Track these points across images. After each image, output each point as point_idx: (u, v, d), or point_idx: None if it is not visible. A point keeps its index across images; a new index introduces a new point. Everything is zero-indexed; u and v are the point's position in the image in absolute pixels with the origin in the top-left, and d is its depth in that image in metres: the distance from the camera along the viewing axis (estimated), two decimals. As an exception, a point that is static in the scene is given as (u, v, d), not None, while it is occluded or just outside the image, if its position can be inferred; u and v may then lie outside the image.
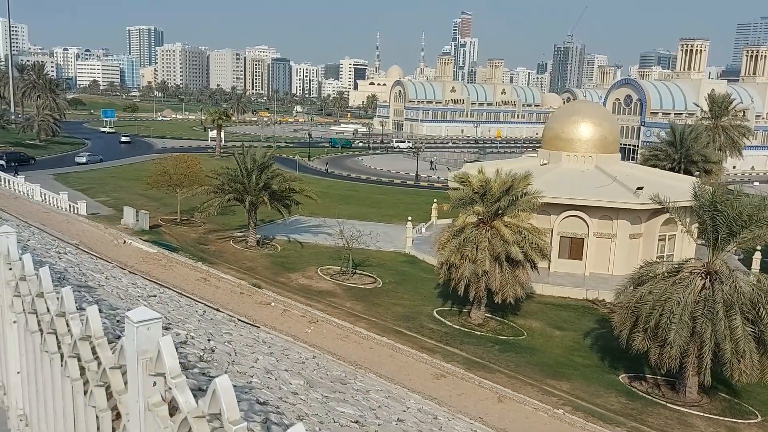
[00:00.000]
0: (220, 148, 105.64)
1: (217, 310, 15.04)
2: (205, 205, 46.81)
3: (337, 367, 12.34)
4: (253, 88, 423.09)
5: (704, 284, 25.79)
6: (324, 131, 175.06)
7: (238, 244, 48.07)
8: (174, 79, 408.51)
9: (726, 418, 25.62)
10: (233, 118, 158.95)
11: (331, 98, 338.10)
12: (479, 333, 32.92)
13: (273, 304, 16.19)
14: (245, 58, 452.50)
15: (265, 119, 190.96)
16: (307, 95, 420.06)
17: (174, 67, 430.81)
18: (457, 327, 33.49)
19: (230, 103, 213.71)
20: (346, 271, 41.20)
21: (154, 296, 12.69)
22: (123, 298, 10.25)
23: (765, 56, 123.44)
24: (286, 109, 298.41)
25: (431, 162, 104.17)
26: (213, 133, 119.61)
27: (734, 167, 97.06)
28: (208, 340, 9.19)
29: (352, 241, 41.42)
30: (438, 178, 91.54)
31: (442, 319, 34.47)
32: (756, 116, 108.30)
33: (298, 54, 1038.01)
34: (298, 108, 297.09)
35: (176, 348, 8.05)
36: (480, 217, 32.85)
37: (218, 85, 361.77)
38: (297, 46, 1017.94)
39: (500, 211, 32.30)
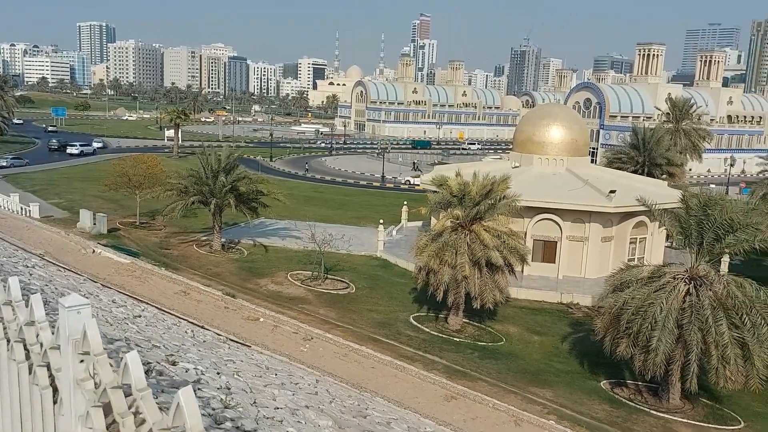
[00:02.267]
0: (178, 148, 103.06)
1: (204, 328, 13.82)
2: (168, 208, 44.95)
3: (344, 392, 11.30)
4: (209, 87, 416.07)
5: (688, 290, 25.58)
6: (284, 131, 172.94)
7: (202, 248, 46.34)
8: (127, 77, 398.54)
9: (710, 425, 25.47)
10: (191, 117, 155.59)
11: (290, 98, 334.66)
12: (458, 339, 32.21)
13: (262, 319, 15.03)
14: (201, 56, 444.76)
15: (223, 118, 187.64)
16: (265, 94, 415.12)
17: (127, 65, 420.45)
18: (435, 333, 32.71)
19: (186, 102, 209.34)
20: (318, 276, 40.02)
21: (139, 316, 11.44)
22: (112, 324, 9.01)
23: (718, 61, 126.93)
24: (243, 108, 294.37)
25: (414, 163, 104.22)
26: (170, 133, 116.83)
27: (691, 170, 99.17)
28: (218, 373, 8.05)
29: (324, 245, 40.28)
30: (403, 180, 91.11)
31: (420, 326, 33.64)
32: (711, 120, 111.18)
33: (255, 53, 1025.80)
34: (257, 107, 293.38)
35: (194, 391, 6.80)
36: (458, 221, 32.12)
37: (173, 84, 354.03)
38: (254, 44, 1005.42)
39: (479, 215, 31.62)
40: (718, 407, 26.81)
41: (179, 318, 13.89)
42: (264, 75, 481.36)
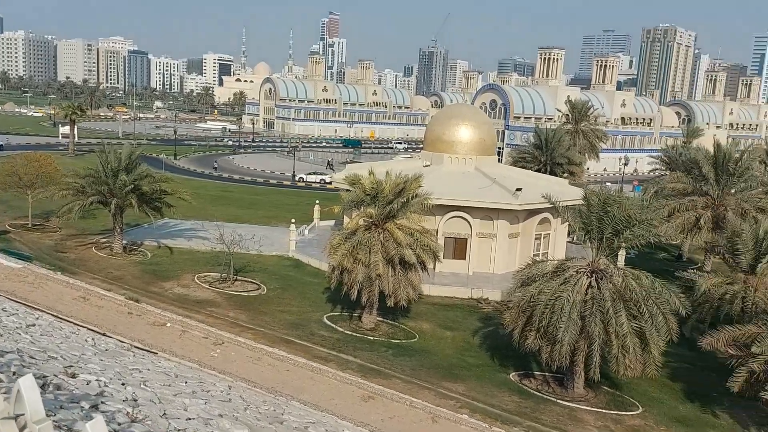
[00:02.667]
0: (74, 146, 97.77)
1: (105, 335, 12.97)
2: (64, 209, 42.32)
3: (259, 398, 10.91)
4: (107, 82, 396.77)
5: (590, 282, 26.72)
6: (189, 128, 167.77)
7: (102, 250, 44.01)
8: (16, 70, 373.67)
9: (611, 411, 26.73)
10: (89, 113, 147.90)
11: (195, 94, 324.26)
12: (372, 338, 32.19)
13: (169, 324, 14.29)
14: (98, 49, 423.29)
15: (123, 115, 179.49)
16: (168, 90, 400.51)
17: (16, 57, 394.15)
18: (349, 333, 32.54)
19: (83, 97, 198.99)
20: (227, 278, 38.90)
21: (34, 325, 10.54)
22: (2, 334, 8.21)
23: (612, 66, 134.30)
24: (145, 104, 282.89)
25: (328, 162, 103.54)
26: (65, 129, 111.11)
27: (588, 168, 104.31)
28: (123, 384, 7.50)
29: (233, 246, 39.18)
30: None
31: (333, 325, 33.36)
32: (606, 121, 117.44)
33: (157, 47, 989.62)
34: (159, 104, 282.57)
35: (96, 406, 6.26)
36: (371, 220, 32.09)
37: (68, 78, 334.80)
38: (156, 38, 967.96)
39: (392, 214, 31.72)
40: (618, 394, 28.21)
41: (78, 325, 13.02)
42: (167, 70, 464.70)
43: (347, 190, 33.95)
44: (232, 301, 36.00)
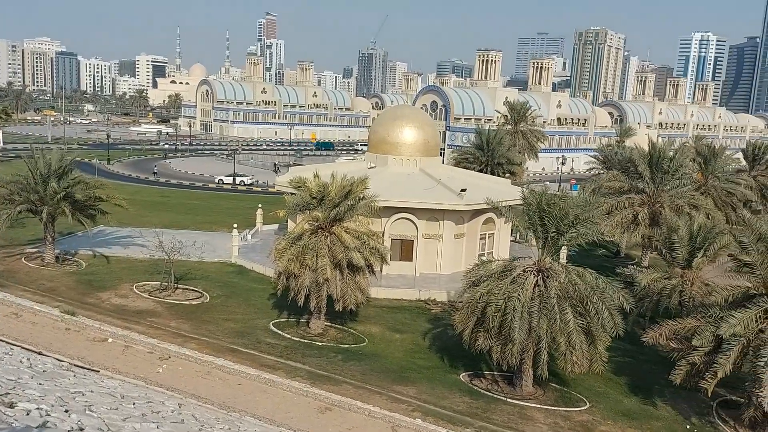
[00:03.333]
0: None
1: (42, 354, 12.12)
2: (-10, 219, 39.94)
3: (211, 415, 10.36)
4: (34, 84, 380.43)
5: (536, 281, 27.01)
6: (123, 132, 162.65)
7: (33, 261, 41.91)
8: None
9: (560, 408, 27.09)
10: (14, 117, 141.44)
11: (128, 96, 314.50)
12: (320, 343, 31.66)
13: (111, 339, 13.49)
14: (23, 50, 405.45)
15: (52, 118, 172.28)
16: (99, 93, 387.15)
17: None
18: (297, 339, 31.92)
19: (7, 101, 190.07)
20: (168, 287, 37.60)
21: (-40, 348, 9.69)
22: (-75, 362, 7.43)
23: (548, 68, 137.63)
24: (75, 107, 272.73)
25: (275, 164, 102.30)
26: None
27: (528, 168, 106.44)
28: (66, 411, 6.88)
29: (173, 253, 37.90)
30: (257, 181, 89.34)
31: (280, 332, 32.66)
32: (543, 122, 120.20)
33: (87, 48, 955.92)
34: (90, 107, 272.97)
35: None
36: (317, 223, 31.59)
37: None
38: (85, 39, 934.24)
39: (339, 217, 31.31)
40: (566, 390, 28.62)
41: (12, 345, 12.12)
42: (98, 72, 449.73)
43: (292, 194, 33.32)
44: (174, 310, 34.79)
